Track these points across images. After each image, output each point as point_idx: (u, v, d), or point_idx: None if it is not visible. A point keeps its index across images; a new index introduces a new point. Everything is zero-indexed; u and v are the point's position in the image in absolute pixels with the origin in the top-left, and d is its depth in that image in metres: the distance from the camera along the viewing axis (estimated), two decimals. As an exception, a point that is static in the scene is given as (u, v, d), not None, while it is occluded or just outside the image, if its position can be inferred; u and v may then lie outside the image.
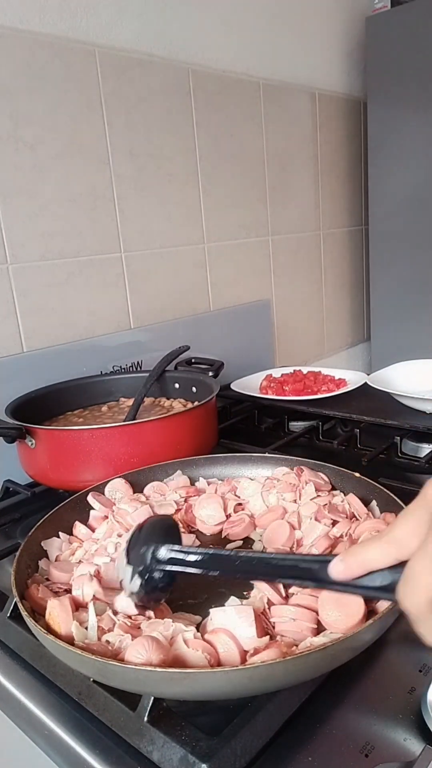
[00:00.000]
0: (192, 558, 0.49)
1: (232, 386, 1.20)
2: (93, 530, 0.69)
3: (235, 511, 0.72)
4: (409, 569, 0.36)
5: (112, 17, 1.13)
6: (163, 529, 0.53)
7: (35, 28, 1.01)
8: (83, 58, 1.08)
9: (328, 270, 1.79)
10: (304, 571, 0.44)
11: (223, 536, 0.70)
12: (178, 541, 0.52)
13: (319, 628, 0.50)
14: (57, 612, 0.51)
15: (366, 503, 0.68)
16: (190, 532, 0.71)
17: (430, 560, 0.35)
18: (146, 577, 0.49)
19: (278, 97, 1.51)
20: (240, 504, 0.73)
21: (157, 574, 0.49)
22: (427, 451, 0.95)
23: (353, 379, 1.18)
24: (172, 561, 0.49)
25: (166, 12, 1.22)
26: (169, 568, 0.49)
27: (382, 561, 0.39)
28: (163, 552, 0.50)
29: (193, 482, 0.79)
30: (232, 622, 0.49)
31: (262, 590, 0.54)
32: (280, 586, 0.54)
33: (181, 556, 0.49)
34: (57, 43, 1.04)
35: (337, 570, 0.41)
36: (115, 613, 0.52)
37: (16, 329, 1.05)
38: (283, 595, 0.54)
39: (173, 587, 0.51)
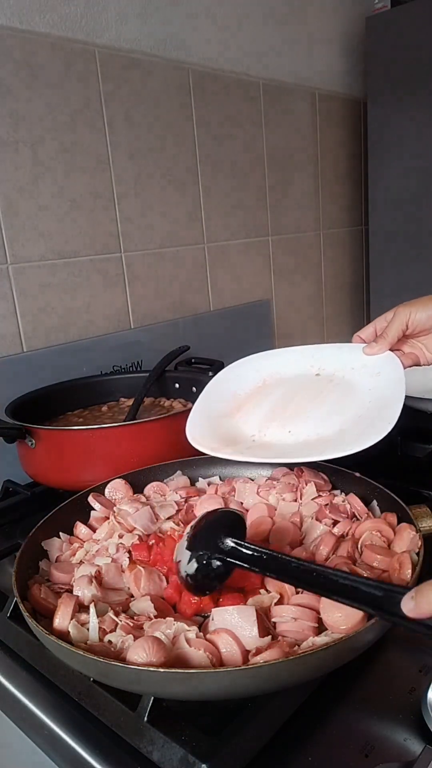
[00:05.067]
0: (249, 554, 0.49)
1: None
2: (94, 530, 0.69)
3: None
4: None
5: (112, 17, 1.13)
6: (229, 521, 0.53)
7: (35, 28, 1.01)
8: (83, 58, 1.08)
9: (328, 270, 1.79)
10: (366, 597, 0.43)
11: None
12: (242, 536, 0.52)
13: (320, 628, 0.50)
14: (61, 609, 0.51)
15: (366, 503, 0.68)
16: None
17: None
18: (203, 563, 0.50)
19: (278, 97, 1.51)
20: (241, 503, 0.73)
21: (214, 563, 0.50)
22: (427, 451, 0.95)
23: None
24: (231, 553, 0.50)
25: (166, 12, 1.22)
26: (227, 559, 0.50)
27: None
28: (224, 543, 0.50)
29: (193, 482, 0.79)
30: (234, 622, 0.49)
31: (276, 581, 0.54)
32: None
33: (240, 550, 0.50)
34: (57, 43, 1.04)
35: (408, 607, 0.40)
36: (117, 614, 0.52)
37: (16, 329, 1.05)
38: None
39: (226, 579, 0.51)
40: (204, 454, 0.65)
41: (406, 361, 0.72)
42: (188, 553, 0.51)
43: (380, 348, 0.72)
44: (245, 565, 0.49)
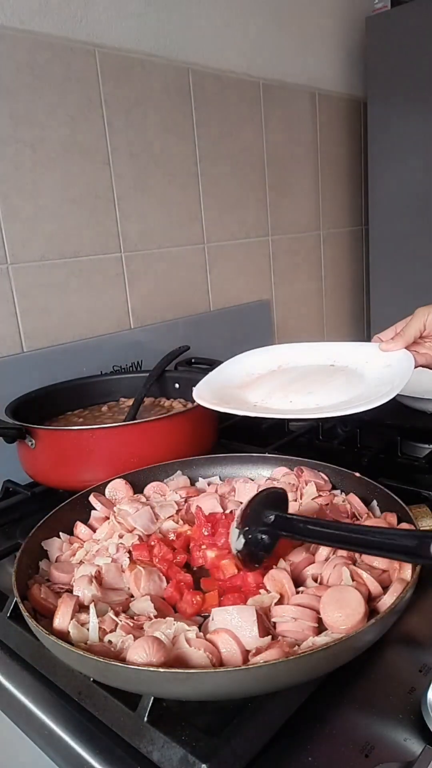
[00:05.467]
0: (289, 524, 0.54)
1: None
2: (94, 530, 0.69)
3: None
4: None
5: (112, 17, 1.12)
6: (272, 498, 0.57)
7: (35, 28, 1.01)
8: (83, 58, 1.08)
9: (328, 270, 1.79)
10: (401, 547, 0.47)
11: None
12: (285, 510, 0.57)
13: (320, 628, 0.50)
14: (61, 609, 0.51)
15: (366, 503, 0.68)
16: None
17: None
18: (249, 537, 0.54)
19: (278, 97, 1.51)
20: (241, 503, 0.73)
21: (258, 536, 0.54)
22: (427, 451, 0.95)
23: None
24: (274, 524, 0.54)
25: (166, 12, 1.22)
26: (270, 530, 0.54)
27: None
28: (267, 517, 0.55)
29: (193, 482, 0.79)
30: (234, 622, 0.49)
31: (279, 580, 0.54)
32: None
33: (281, 521, 0.54)
34: (57, 43, 1.04)
35: None
36: (117, 614, 0.52)
37: (16, 329, 1.05)
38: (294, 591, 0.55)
39: (272, 549, 0.56)
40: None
41: (420, 359, 0.73)
42: (237, 531, 0.55)
43: (396, 345, 0.73)
44: (285, 533, 0.54)
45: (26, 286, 1.05)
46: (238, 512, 0.57)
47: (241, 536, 0.54)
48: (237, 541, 0.54)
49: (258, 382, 0.79)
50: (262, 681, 0.44)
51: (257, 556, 0.55)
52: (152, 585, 0.57)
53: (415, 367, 0.71)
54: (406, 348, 0.73)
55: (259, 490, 0.58)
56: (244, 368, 0.82)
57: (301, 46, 1.56)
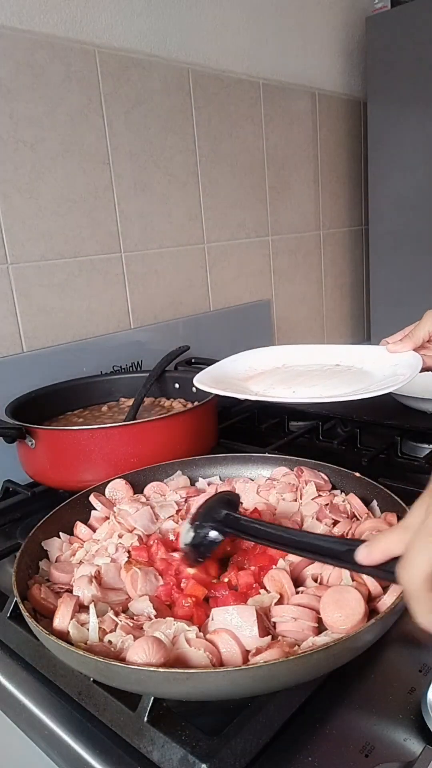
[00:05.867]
0: (236, 522, 0.57)
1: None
2: (94, 530, 0.69)
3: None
4: (407, 548, 0.40)
5: (112, 17, 1.13)
6: (225, 500, 0.60)
7: (35, 28, 1.01)
8: (83, 58, 1.08)
9: (328, 270, 1.79)
10: (330, 551, 0.49)
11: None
12: (235, 510, 0.59)
13: (320, 628, 0.50)
14: (61, 609, 0.51)
15: (366, 503, 0.68)
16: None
17: (425, 539, 0.38)
18: (197, 532, 0.57)
19: (278, 97, 1.51)
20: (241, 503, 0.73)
21: (207, 531, 0.57)
22: (427, 451, 0.95)
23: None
24: (223, 522, 0.57)
25: (166, 12, 1.22)
26: (217, 527, 0.57)
27: (400, 548, 0.42)
28: (216, 513, 0.58)
29: (193, 482, 0.79)
30: (234, 622, 0.49)
31: (279, 579, 0.54)
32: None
33: (230, 519, 0.57)
34: (57, 43, 1.04)
35: (361, 555, 0.45)
36: (117, 614, 0.52)
37: (16, 329, 1.05)
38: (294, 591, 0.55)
39: (216, 547, 0.58)
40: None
41: (428, 362, 0.73)
42: (188, 526, 0.57)
43: (404, 346, 0.73)
44: (231, 530, 0.57)
45: (26, 286, 1.05)
46: (192, 510, 0.60)
47: (191, 530, 0.57)
48: (186, 535, 0.57)
49: (261, 376, 0.79)
50: (262, 681, 0.44)
51: (202, 552, 0.57)
52: (149, 585, 0.57)
53: (423, 369, 0.71)
54: (415, 350, 0.73)
55: (215, 492, 0.62)
56: (248, 363, 0.82)
57: (301, 46, 1.56)
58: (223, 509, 0.58)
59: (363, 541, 0.46)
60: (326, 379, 0.74)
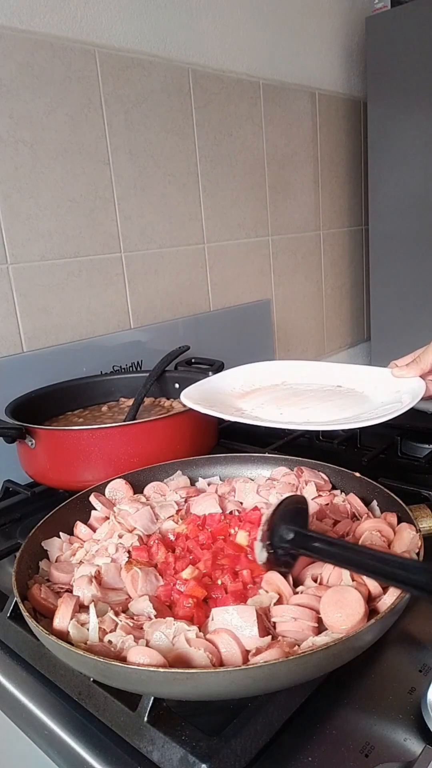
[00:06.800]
0: (312, 544, 0.53)
1: None
2: (94, 530, 0.69)
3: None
4: None
5: (112, 17, 1.13)
6: (293, 510, 0.57)
7: (35, 28, 1.01)
8: (83, 58, 1.08)
9: (328, 270, 1.79)
10: (416, 582, 0.45)
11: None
12: (305, 523, 0.56)
13: (320, 628, 0.50)
14: (61, 609, 0.51)
15: (366, 503, 0.68)
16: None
17: None
18: (270, 553, 0.54)
19: (278, 97, 1.51)
20: (241, 503, 0.73)
21: (280, 551, 0.54)
22: (427, 451, 0.95)
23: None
24: (293, 542, 0.54)
25: (166, 12, 1.22)
26: (290, 550, 0.54)
27: None
28: (285, 533, 0.54)
29: (193, 482, 0.79)
30: (234, 622, 0.49)
31: (275, 581, 0.54)
32: (290, 582, 0.55)
33: (301, 539, 0.54)
34: (57, 43, 1.04)
35: None
36: (117, 614, 0.52)
37: (16, 329, 1.05)
38: (295, 590, 0.54)
39: (296, 560, 0.56)
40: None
41: None
42: (260, 545, 0.55)
43: (410, 371, 0.71)
44: (305, 552, 0.54)
45: (26, 286, 1.05)
46: (261, 525, 0.57)
47: (264, 551, 0.55)
48: (260, 555, 0.55)
49: (257, 393, 0.77)
50: (262, 681, 0.44)
51: (283, 567, 0.56)
52: (149, 586, 0.57)
53: (426, 397, 0.69)
54: (422, 376, 0.70)
55: (281, 499, 0.58)
56: (247, 378, 0.81)
57: (301, 46, 1.56)
58: (291, 524, 0.55)
59: None
60: (321, 401, 0.72)
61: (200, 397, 0.73)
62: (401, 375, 0.71)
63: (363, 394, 0.74)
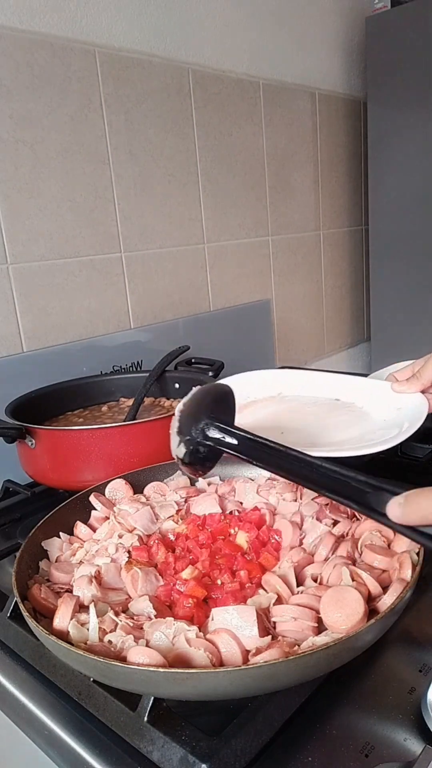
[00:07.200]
0: (233, 441, 0.47)
1: None
2: (94, 530, 0.69)
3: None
4: None
5: (112, 17, 1.13)
6: (215, 399, 0.50)
7: (35, 28, 1.01)
8: (83, 58, 1.08)
9: (328, 270, 1.79)
10: (355, 492, 0.41)
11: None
12: (230, 413, 0.49)
13: (320, 628, 0.50)
14: (61, 609, 0.51)
15: (366, 503, 0.68)
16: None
17: None
18: (191, 449, 0.48)
19: (278, 97, 1.51)
20: (241, 503, 0.73)
21: (202, 448, 0.48)
22: (427, 451, 0.95)
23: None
24: (218, 441, 0.47)
25: (166, 12, 1.22)
26: (212, 445, 0.47)
27: None
28: (210, 430, 0.48)
29: (193, 482, 0.79)
30: (234, 622, 0.49)
31: (272, 583, 0.54)
32: (293, 582, 0.55)
33: (226, 436, 0.47)
34: (57, 43, 1.04)
35: (394, 514, 0.39)
36: (117, 614, 0.52)
37: (16, 329, 1.05)
38: (295, 591, 0.54)
39: (218, 460, 0.50)
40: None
41: None
42: (177, 438, 0.49)
43: (411, 387, 0.68)
44: (231, 452, 0.47)
45: (26, 286, 1.05)
46: (179, 407, 0.49)
47: (183, 446, 0.49)
48: (177, 448, 0.49)
49: (252, 407, 0.74)
50: (263, 681, 0.44)
51: (201, 467, 0.50)
52: (149, 586, 0.57)
53: (429, 412, 0.66)
54: (423, 392, 0.68)
55: (203, 386, 0.50)
56: (242, 390, 0.74)
57: (301, 46, 1.56)
58: (213, 414, 0.48)
59: (393, 489, 0.39)
60: (321, 419, 0.69)
61: None
62: (401, 391, 0.69)
63: (363, 410, 0.71)
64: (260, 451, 0.46)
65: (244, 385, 0.76)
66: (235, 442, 0.47)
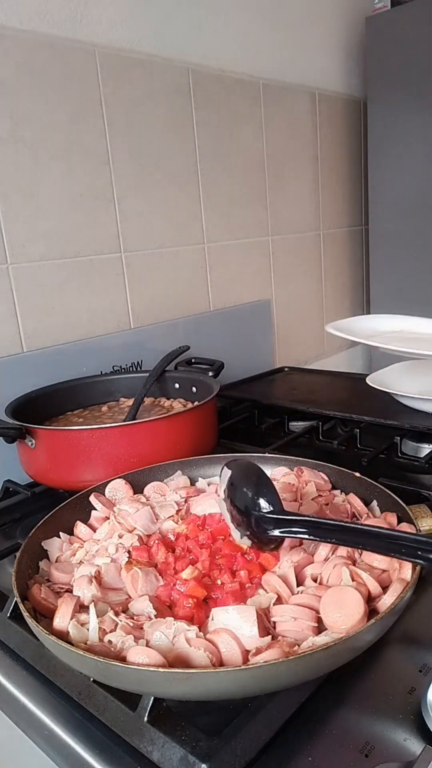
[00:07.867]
0: (302, 530, 0.51)
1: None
2: (94, 530, 0.69)
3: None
4: None
5: (112, 17, 1.12)
6: (254, 482, 0.53)
7: (35, 28, 1.01)
8: (83, 58, 1.08)
9: (328, 270, 1.79)
10: (410, 550, 0.47)
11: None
12: (271, 493, 0.53)
13: (320, 628, 0.50)
14: (61, 609, 0.51)
15: (366, 503, 0.68)
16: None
17: None
18: (255, 541, 0.52)
19: (278, 97, 1.51)
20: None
21: (265, 537, 0.52)
22: (427, 451, 0.95)
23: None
24: (285, 532, 0.52)
25: (166, 12, 1.22)
26: (277, 533, 0.52)
27: None
28: (270, 528, 0.52)
29: (193, 482, 0.79)
30: (234, 622, 0.49)
31: (272, 584, 0.54)
32: (293, 582, 0.55)
33: (284, 525, 0.51)
34: (57, 43, 1.04)
35: None
36: (117, 614, 0.52)
37: (16, 329, 1.05)
38: (295, 591, 0.54)
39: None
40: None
41: None
42: (238, 533, 0.53)
43: None
44: (298, 536, 0.52)
45: (26, 286, 1.05)
46: (224, 511, 0.53)
47: (246, 538, 0.53)
48: (241, 540, 0.53)
49: (379, 337, 0.95)
50: (263, 681, 0.44)
51: (270, 548, 0.55)
52: (149, 585, 0.57)
53: None
54: None
55: (225, 471, 0.53)
56: (371, 325, 1.01)
57: (301, 46, 1.56)
58: (258, 499, 0.52)
59: None
60: None
61: (344, 332, 0.96)
62: None
63: None
64: (325, 530, 0.51)
65: (373, 323, 1.03)
66: (303, 530, 0.52)
